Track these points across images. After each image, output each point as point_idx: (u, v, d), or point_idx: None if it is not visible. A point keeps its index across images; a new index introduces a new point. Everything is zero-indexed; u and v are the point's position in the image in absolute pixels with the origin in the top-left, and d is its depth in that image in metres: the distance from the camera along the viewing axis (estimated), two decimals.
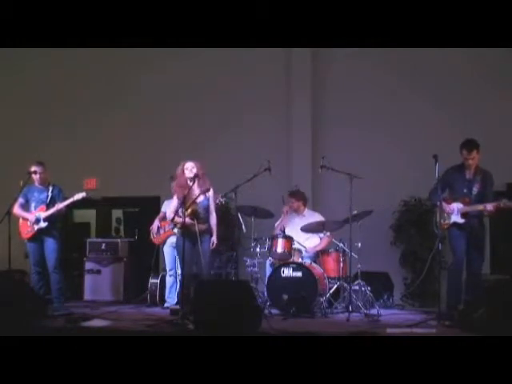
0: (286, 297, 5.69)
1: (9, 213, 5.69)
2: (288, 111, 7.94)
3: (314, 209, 6.94)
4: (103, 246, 7.51)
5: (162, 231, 6.82)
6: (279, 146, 7.86)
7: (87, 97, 8.76)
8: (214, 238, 5.58)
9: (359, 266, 5.96)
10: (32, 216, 5.89)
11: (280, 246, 6.04)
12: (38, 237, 5.91)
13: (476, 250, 5.40)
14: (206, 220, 5.58)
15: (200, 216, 5.50)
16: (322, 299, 5.80)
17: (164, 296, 6.74)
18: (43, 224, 5.85)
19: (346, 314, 5.53)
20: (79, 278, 7.52)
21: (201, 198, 5.52)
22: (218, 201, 5.91)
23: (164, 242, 6.83)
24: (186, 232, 5.40)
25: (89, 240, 7.74)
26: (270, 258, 6.34)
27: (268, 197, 6.99)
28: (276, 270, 5.91)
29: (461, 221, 5.37)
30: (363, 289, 5.87)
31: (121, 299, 7.20)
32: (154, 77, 8.46)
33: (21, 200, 5.98)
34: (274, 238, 6.12)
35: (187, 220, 5.37)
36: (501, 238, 6.87)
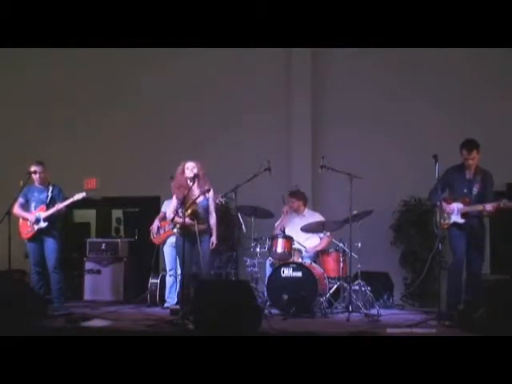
0: (285, 297, 5.69)
1: (9, 213, 5.69)
2: (288, 111, 7.94)
3: (314, 209, 6.94)
4: (103, 246, 7.51)
5: (161, 231, 6.82)
6: (279, 146, 7.86)
7: (87, 97, 8.76)
8: (214, 239, 5.57)
9: (359, 266, 5.96)
10: (32, 216, 5.89)
11: (280, 246, 6.04)
12: (38, 237, 5.91)
13: (476, 250, 5.40)
14: (206, 220, 5.58)
15: (200, 216, 5.50)
16: (322, 299, 5.80)
17: (164, 296, 6.74)
18: (43, 224, 5.85)
19: (346, 313, 5.53)
20: (79, 278, 7.52)
21: (200, 198, 5.52)
22: (218, 201, 5.91)
23: (164, 242, 6.83)
24: (185, 232, 5.40)
25: (89, 240, 7.74)
26: (270, 257, 6.34)
27: (268, 197, 6.99)
28: (276, 270, 5.91)
29: (461, 221, 5.37)
30: (363, 289, 5.87)
31: (121, 299, 7.20)
32: (153, 77, 8.46)
33: (21, 200, 5.98)
34: (274, 238, 6.12)
35: (187, 220, 5.37)
36: (501, 238, 6.87)
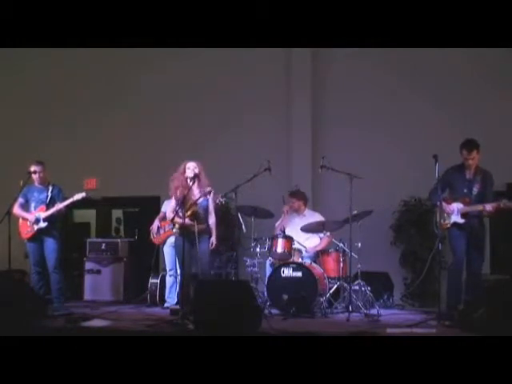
0: (285, 297, 5.69)
1: (9, 213, 5.69)
2: (288, 111, 7.94)
3: (314, 209, 6.94)
4: (103, 246, 7.51)
5: (161, 231, 6.82)
6: (279, 146, 7.86)
7: (87, 97, 8.76)
8: (214, 239, 5.57)
9: (359, 266, 5.96)
10: (32, 216, 5.89)
11: (280, 246, 6.04)
12: (38, 237, 5.91)
13: (476, 250, 5.40)
14: (205, 220, 5.58)
15: (200, 217, 5.49)
16: (322, 299, 5.80)
17: (164, 296, 6.75)
18: (43, 224, 5.85)
19: (346, 313, 5.53)
20: (79, 278, 7.52)
21: (201, 199, 5.52)
22: (218, 201, 5.91)
23: (164, 242, 6.84)
24: (184, 232, 5.39)
25: (89, 240, 7.74)
26: (270, 257, 6.34)
27: (268, 197, 6.99)
28: (276, 270, 5.91)
29: (461, 221, 5.37)
30: (363, 289, 5.87)
31: (121, 299, 7.20)
32: (153, 77, 8.46)
33: (21, 200, 5.98)
34: (274, 238, 6.12)
35: (187, 221, 5.37)
36: (501, 238, 6.86)
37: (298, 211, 6.55)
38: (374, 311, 5.68)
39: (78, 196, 5.86)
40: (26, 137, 8.79)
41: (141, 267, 7.43)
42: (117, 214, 8.99)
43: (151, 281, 6.93)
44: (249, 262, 6.21)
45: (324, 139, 7.74)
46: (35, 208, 5.96)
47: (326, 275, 6.02)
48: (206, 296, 4.75)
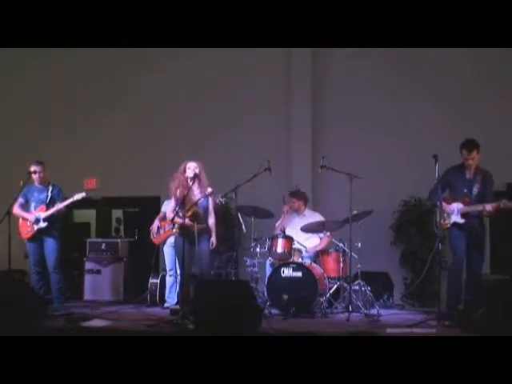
0: (285, 297, 5.69)
1: (9, 213, 5.69)
2: (288, 111, 7.94)
3: (314, 209, 6.95)
4: (103, 246, 7.51)
5: (161, 231, 6.82)
6: (279, 146, 7.86)
7: (87, 97, 8.76)
8: (214, 239, 5.57)
9: (359, 266, 5.96)
10: (32, 216, 5.89)
11: (280, 246, 6.04)
12: (38, 237, 5.91)
13: (476, 250, 5.40)
14: (205, 220, 5.58)
15: (200, 217, 5.49)
16: (322, 299, 5.80)
17: (164, 296, 6.75)
18: (43, 224, 5.85)
19: (346, 313, 5.53)
20: (79, 278, 7.52)
21: (201, 199, 5.51)
22: (218, 201, 5.91)
23: (164, 242, 6.84)
24: (184, 232, 5.39)
25: (89, 240, 7.74)
26: (269, 257, 6.34)
27: (268, 197, 6.99)
28: (276, 270, 5.91)
29: (461, 221, 5.37)
30: (363, 289, 5.87)
31: (121, 299, 7.20)
32: (153, 77, 8.46)
33: (21, 200, 5.98)
34: (274, 238, 6.12)
35: (186, 221, 5.36)
36: (501, 238, 6.86)
37: (298, 211, 6.55)
38: (374, 311, 5.68)
39: (78, 196, 5.86)
40: (26, 137, 8.78)
41: (141, 267, 7.43)
42: (117, 214, 8.98)
43: (151, 281, 6.93)
44: (249, 262, 6.21)
45: (324, 139, 7.74)
46: (35, 208, 5.96)
47: (325, 275, 6.02)
48: (206, 296, 4.75)
